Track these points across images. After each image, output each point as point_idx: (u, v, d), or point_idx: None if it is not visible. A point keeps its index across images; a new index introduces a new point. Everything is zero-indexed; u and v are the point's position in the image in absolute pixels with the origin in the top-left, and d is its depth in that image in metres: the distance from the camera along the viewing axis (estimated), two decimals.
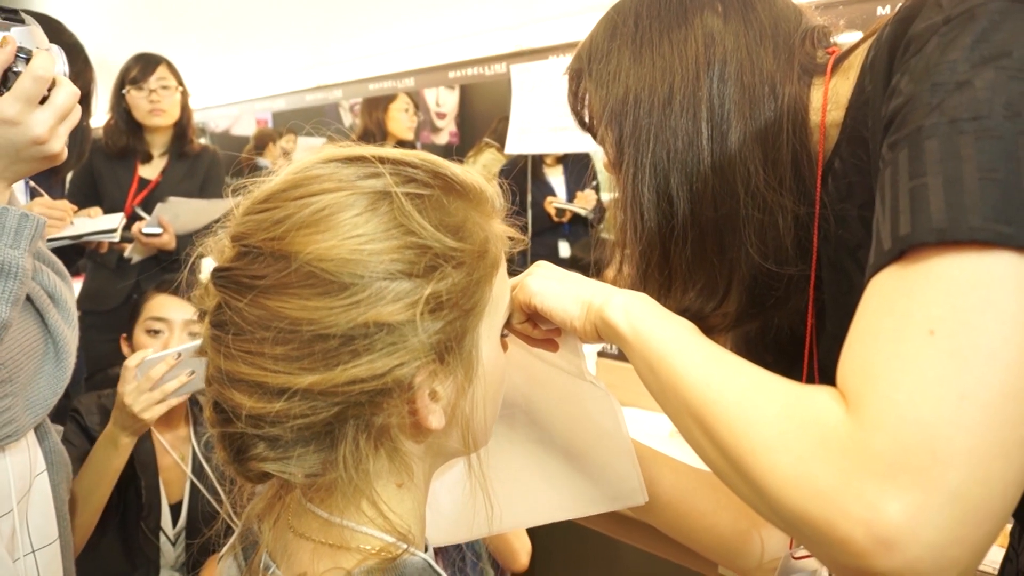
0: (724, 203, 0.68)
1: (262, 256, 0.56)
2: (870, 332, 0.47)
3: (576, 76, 0.79)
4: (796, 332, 0.75)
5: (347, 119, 5.21)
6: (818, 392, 0.48)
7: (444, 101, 5.27)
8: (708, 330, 0.68)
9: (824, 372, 0.73)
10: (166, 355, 1.53)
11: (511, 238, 0.66)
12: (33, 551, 1.00)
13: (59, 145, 0.94)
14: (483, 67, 3.34)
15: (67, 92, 0.94)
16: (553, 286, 0.71)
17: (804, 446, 0.46)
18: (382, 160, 0.59)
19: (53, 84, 0.93)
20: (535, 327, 0.75)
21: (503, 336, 0.67)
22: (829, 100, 0.67)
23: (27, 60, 0.92)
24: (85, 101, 2.01)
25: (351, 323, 0.54)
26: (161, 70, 2.60)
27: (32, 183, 2.19)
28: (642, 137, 0.70)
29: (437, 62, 3.62)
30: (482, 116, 4.79)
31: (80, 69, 1.84)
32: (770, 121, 0.67)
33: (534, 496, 0.84)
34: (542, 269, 0.74)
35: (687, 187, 0.69)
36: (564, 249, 3.85)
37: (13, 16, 0.96)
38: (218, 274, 0.58)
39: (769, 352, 0.80)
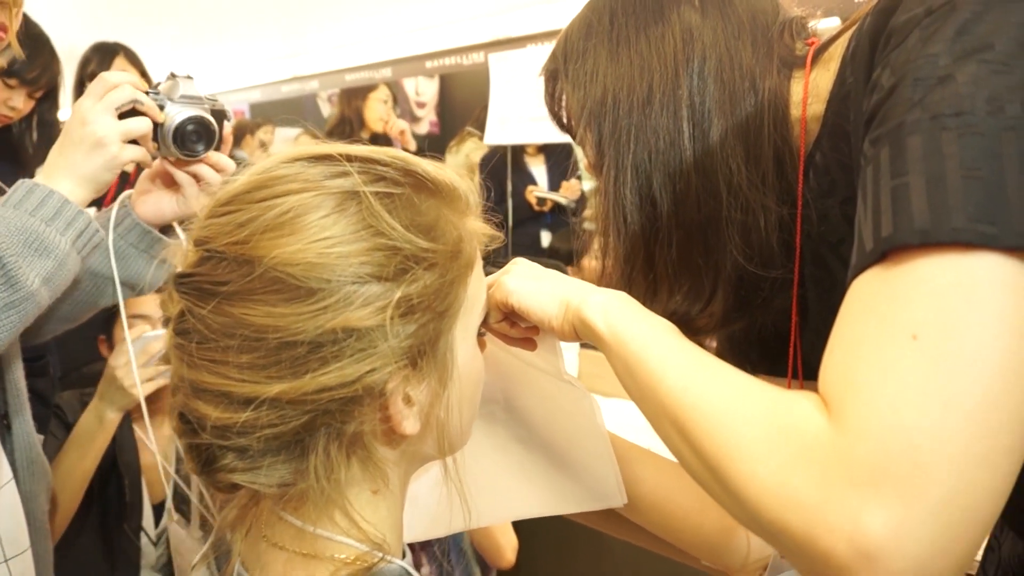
0: (707, 203, 0.67)
1: (225, 261, 0.54)
2: (852, 337, 0.45)
3: (552, 77, 0.77)
4: (780, 329, 0.74)
5: (325, 110, 5.16)
6: (800, 399, 0.47)
7: (424, 91, 5.23)
8: (695, 332, 0.67)
9: (808, 368, 0.73)
10: (164, 333, 1.53)
11: (487, 235, 0.65)
12: (6, 560, 0.98)
13: (103, 130, 0.98)
14: (461, 56, 3.31)
15: (128, 91, 1.01)
16: (530, 284, 0.69)
17: (784, 455, 0.45)
18: (350, 158, 0.57)
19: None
20: (513, 326, 0.74)
21: (480, 335, 0.66)
22: (809, 93, 0.66)
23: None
24: (52, 94, 1.96)
25: (319, 329, 0.52)
26: (118, 62, 2.46)
27: None
28: (622, 138, 0.69)
29: (415, 52, 3.59)
30: (463, 105, 4.76)
31: (47, 61, 1.80)
32: (751, 117, 0.66)
33: (513, 492, 0.83)
34: (519, 267, 0.72)
35: (670, 188, 0.68)
36: (545, 239, 3.83)
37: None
38: (180, 280, 0.56)
39: (753, 349, 0.79)
